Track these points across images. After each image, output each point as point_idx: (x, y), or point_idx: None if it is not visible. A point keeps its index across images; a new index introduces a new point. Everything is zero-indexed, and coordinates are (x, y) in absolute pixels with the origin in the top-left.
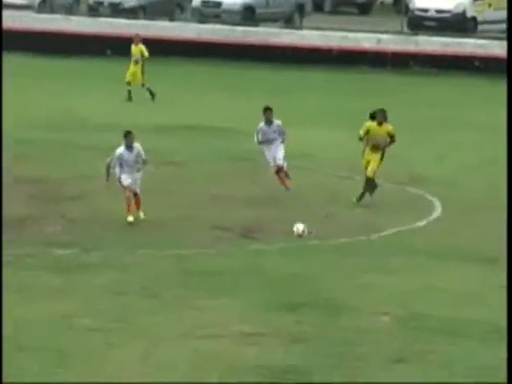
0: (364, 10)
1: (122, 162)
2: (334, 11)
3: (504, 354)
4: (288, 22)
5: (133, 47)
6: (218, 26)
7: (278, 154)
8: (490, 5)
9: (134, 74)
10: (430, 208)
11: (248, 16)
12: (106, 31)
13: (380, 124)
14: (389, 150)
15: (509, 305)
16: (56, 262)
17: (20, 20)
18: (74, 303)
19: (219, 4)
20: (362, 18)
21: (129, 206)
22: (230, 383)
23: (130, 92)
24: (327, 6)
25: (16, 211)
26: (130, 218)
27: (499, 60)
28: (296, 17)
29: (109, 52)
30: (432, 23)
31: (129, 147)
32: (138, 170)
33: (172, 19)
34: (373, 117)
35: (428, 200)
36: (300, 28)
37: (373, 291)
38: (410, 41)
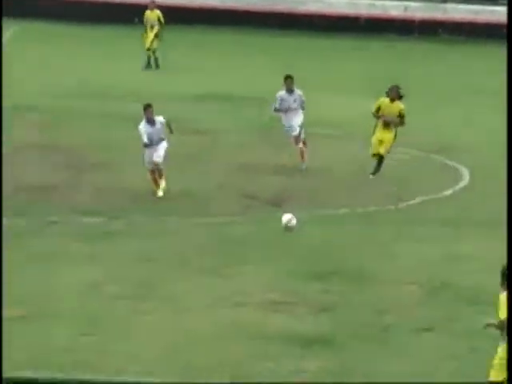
0: None
1: (148, 136)
2: None
3: None
4: None
5: (148, 13)
6: None
7: (294, 122)
8: None
9: (145, 37)
10: (458, 177)
11: None
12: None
13: (392, 101)
14: (416, 118)
15: (509, 305)
16: (83, 230)
17: None
18: (102, 271)
19: None
20: None
21: (154, 183)
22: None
23: (152, 59)
24: None
25: (43, 179)
26: (160, 193)
27: None
28: None
29: (136, 20)
30: None
31: (149, 121)
32: (162, 141)
33: None
34: (388, 93)
35: (455, 168)
36: None
37: (400, 260)
38: (438, 8)
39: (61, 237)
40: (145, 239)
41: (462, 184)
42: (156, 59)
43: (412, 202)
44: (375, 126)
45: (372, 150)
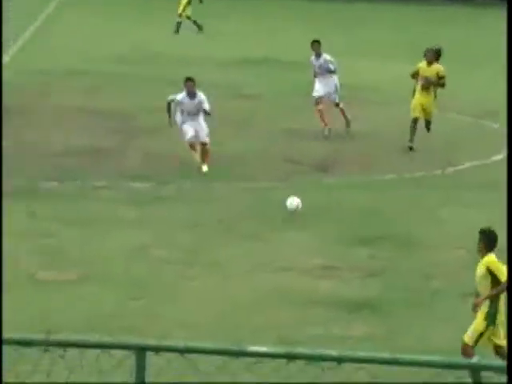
0: None
1: (182, 108)
2: None
3: None
4: None
5: None
6: None
7: (323, 90)
8: None
9: (179, 2)
10: (506, 142)
11: None
12: None
13: (430, 64)
14: (457, 82)
15: (509, 305)
16: (132, 195)
17: None
18: (150, 235)
19: None
20: None
21: (200, 156)
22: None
23: (194, 22)
24: None
25: (93, 144)
26: (205, 168)
27: None
28: None
29: None
30: None
31: (190, 94)
32: (201, 115)
33: None
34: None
35: (503, 133)
36: None
37: (448, 225)
38: None
39: (110, 201)
40: (192, 204)
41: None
42: (197, 24)
43: (460, 167)
44: (414, 90)
45: (412, 114)
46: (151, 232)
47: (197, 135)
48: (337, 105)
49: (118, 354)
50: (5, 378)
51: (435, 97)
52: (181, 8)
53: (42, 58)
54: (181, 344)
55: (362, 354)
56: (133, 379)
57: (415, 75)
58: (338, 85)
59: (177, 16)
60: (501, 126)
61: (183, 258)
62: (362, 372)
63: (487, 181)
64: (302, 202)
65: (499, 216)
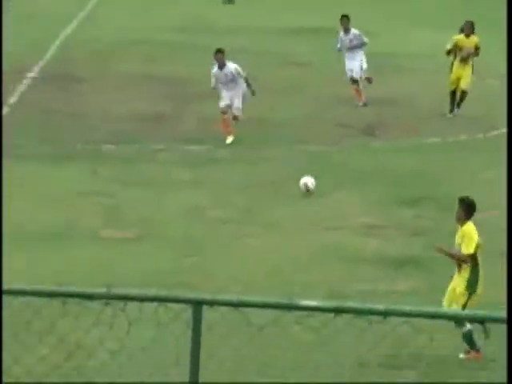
0: None
1: (217, 79)
2: None
3: None
4: None
5: None
6: None
7: (352, 65)
8: None
9: None
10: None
11: None
12: None
13: (468, 36)
14: (496, 51)
15: (509, 305)
16: (188, 158)
17: None
18: (205, 196)
19: None
20: None
21: (225, 127)
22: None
23: None
24: None
25: (151, 109)
26: (229, 140)
27: None
28: None
29: None
30: None
31: (220, 65)
32: (237, 85)
33: None
34: (462, 29)
35: None
36: None
37: (488, 186)
38: None
39: (166, 164)
40: (245, 166)
41: None
42: None
43: (502, 130)
44: (452, 64)
45: (450, 87)
46: (206, 193)
47: (231, 105)
48: (354, 82)
49: (175, 307)
50: (68, 330)
51: (472, 67)
52: None
53: (104, 28)
54: (235, 298)
55: (406, 308)
56: (189, 331)
57: (453, 49)
58: (364, 59)
59: None
60: None
61: (237, 218)
62: (407, 325)
63: None
64: (352, 162)
65: None
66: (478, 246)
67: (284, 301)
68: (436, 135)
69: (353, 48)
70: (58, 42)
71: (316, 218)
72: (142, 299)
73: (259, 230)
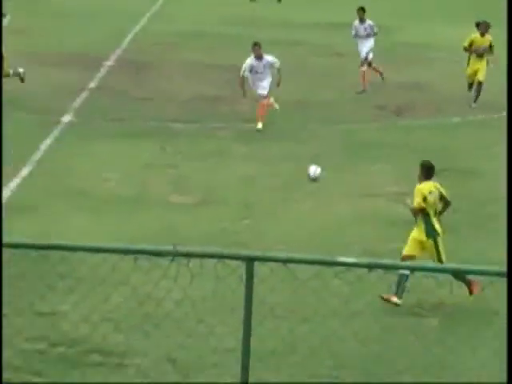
0: None
1: (252, 69)
2: None
3: None
4: None
5: None
6: None
7: (363, 49)
8: None
9: None
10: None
11: None
12: None
13: (482, 35)
14: None
15: (508, 305)
16: (243, 134)
17: None
18: (258, 167)
19: None
20: None
21: (262, 112)
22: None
23: None
24: None
25: (211, 92)
26: (259, 126)
27: None
28: None
29: None
30: None
31: (257, 57)
32: (268, 80)
33: None
34: (477, 25)
35: None
36: None
37: (500, 159)
38: None
39: (225, 139)
40: (292, 142)
41: None
42: None
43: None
44: (468, 59)
45: (468, 80)
46: (258, 164)
47: (261, 93)
48: (369, 64)
49: (232, 263)
50: (140, 282)
51: (487, 63)
52: None
53: (170, 23)
54: (283, 255)
55: (430, 264)
56: (243, 284)
57: (470, 46)
58: (373, 46)
59: None
60: None
61: (284, 186)
62: (431, 279)
63: None
64: (384, 139)
65: None
66: (425, 200)
67: (325, 258)
68: (457, 115)
69: (367, 36)
70: (131, 35)
71: (354, 187)
72: (203, 256)
73: (303, 196)
